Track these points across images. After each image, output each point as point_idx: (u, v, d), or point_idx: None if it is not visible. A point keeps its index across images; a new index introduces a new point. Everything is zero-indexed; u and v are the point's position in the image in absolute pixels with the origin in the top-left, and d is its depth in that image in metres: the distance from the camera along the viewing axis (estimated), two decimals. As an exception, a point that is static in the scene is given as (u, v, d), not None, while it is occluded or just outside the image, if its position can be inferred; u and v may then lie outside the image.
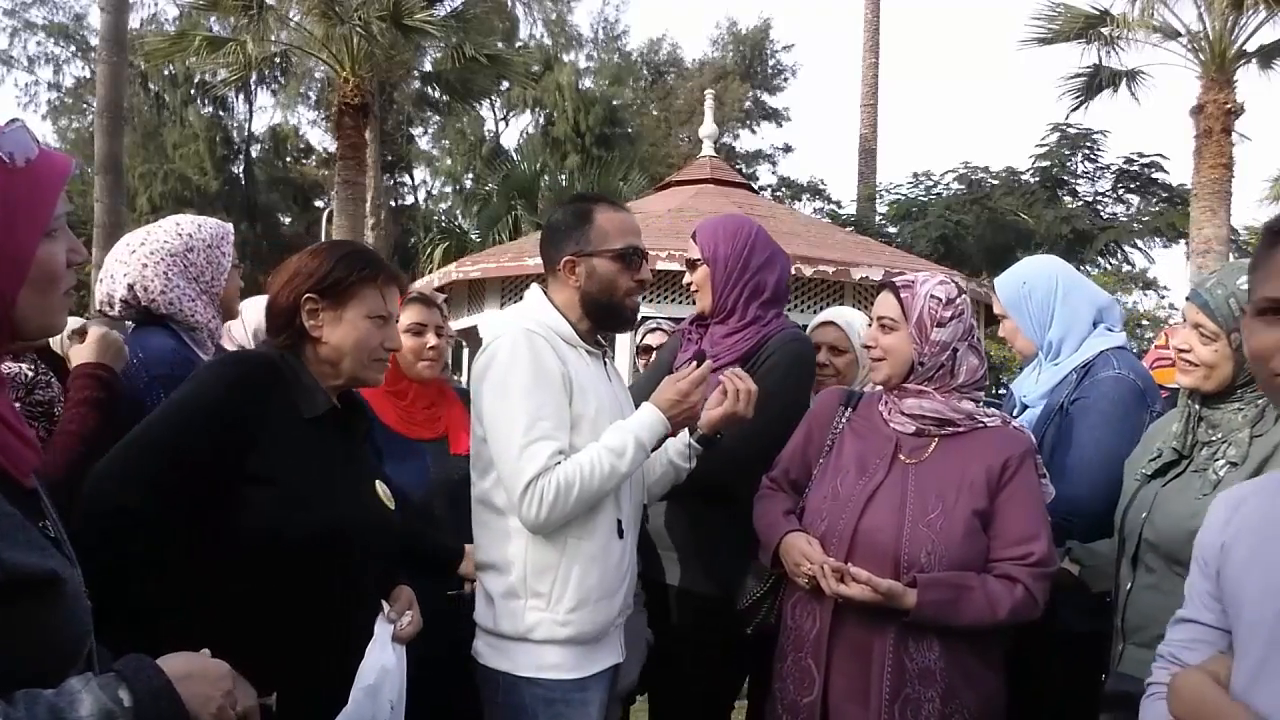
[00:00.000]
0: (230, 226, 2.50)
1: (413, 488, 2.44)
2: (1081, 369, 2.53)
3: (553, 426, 1.98)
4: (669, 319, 3.67)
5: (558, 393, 2.01)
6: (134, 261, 2.31)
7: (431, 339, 2.69)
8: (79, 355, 2.03)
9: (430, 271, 13.86)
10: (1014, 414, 2.65)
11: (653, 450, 2.12)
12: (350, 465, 1.88)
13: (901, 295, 2.14)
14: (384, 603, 1.91)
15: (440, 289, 9.35)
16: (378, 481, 1.95)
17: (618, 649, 2.14)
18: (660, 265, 7.47)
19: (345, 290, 1.84)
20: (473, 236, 19.27)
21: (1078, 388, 2.50)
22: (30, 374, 2.09)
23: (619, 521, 2.07)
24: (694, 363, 2.17)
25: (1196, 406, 2.11)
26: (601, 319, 2.18)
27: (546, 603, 1.99)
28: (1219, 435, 2.05)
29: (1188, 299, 2.16)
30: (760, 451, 2.36)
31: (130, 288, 2.30)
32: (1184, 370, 2.13)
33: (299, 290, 1.84)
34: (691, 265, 2.65)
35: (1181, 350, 2.11)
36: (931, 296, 2.13)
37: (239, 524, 1.68)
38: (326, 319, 1.84)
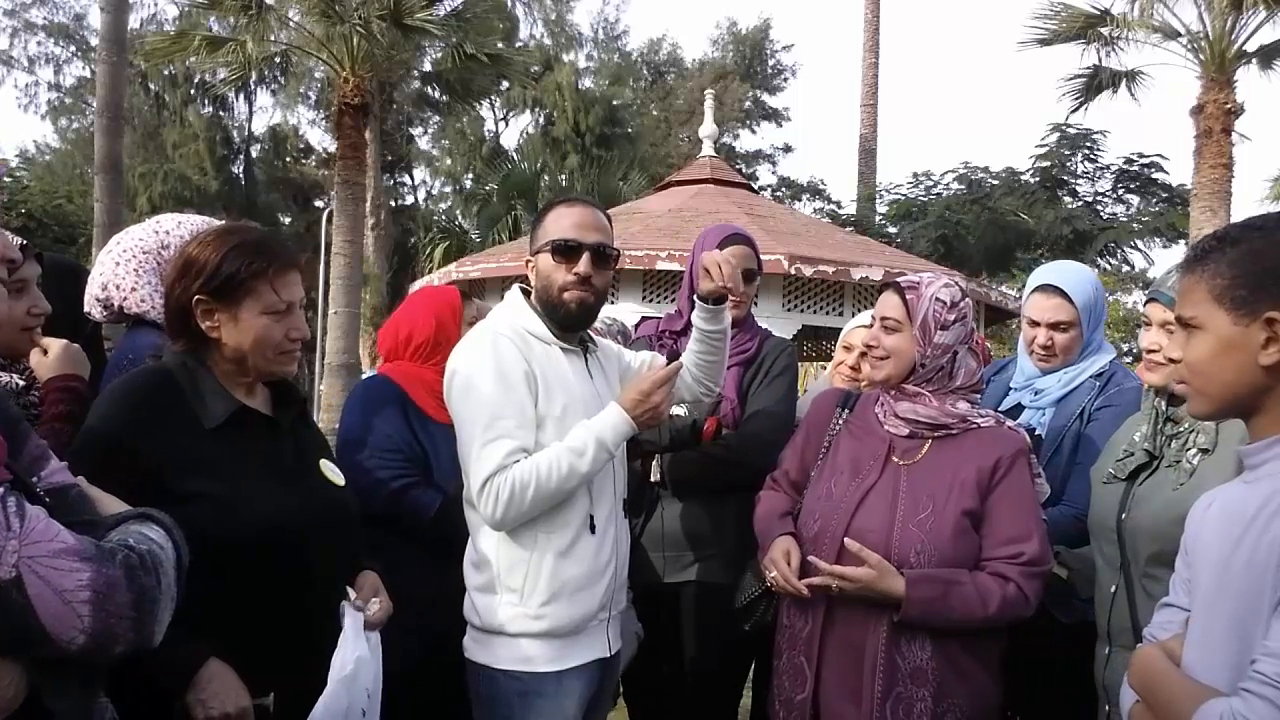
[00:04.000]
0: (194, 223, 2.43)
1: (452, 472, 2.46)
2: (1098, 377, 2.61)
3: (514, 425, 1.99)
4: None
5: (520, 392, 2.01)
6: (108, 261, 2.29)
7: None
8: (44, 369, 2.00)
9: (430, 271, 13.86)
10: (999, 407, 2.67)
11: (617, 448, 2.07)
12: (280, 456, 1.83)
13: (907, 296, 2.14)
14: (349, 590, 1.89)
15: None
16: (323, 461, 1.91)
17: (604, 644, 2.12)
18: (660, 265, 7.48)
19: (237, 288, 1.75)
20: (473, 236, 19.32)
21: (1101, 394, 2.57)
22: (21, 384, 2.04)
23: (591, 517, 2.07)
24: (664, 363, 2.18)
25: (1163, 405, 2.14)
26: (551, 318, 2.14)
27: (519, 597, 2.01)
28: (1185, 426, 2.07)
29: (1151, 299, 2.21)
30: (784, 434, 2.48)
31: (104, 287, 2.28)
32: (1152, 369, 2.16)
33: (189, 291, 1.76)
34: (750, 275, 2.65)
35: (1150, 350, 2.16)
36: (936, 299, 2.13)
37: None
38: (222, 320, 1.77)
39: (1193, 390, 1.40)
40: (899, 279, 2.22)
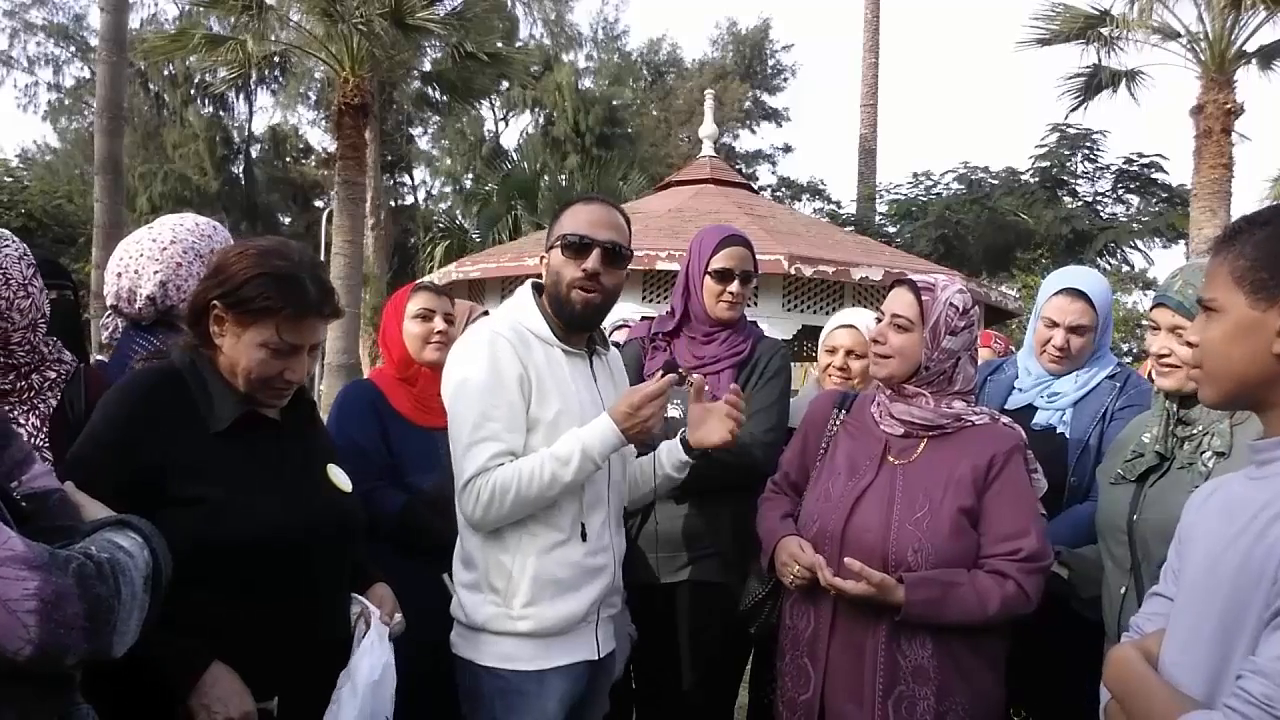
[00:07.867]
0: (226, 231, 2.46)
1: (430, 476, 2.48)
2: (1113, 378, 2.63)
3: (502, 428, 1.99)
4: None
5: (512, 394, 2.00)
6: (167, 259, 2.27)
7: (439, 324, 2.72)
8: None
9: (430, 271, 13.86)
10: (1002, 405, 2.67)
11: (604, 459, 2.04)
12: (284, 461, 1.82)
13: (923, 298, 2.13)
14: (365, 601, 1.89)
15: (440, 289, 9.34)
16: (330, 466, 1.91)
17: (591, 645, 2.11)
18: (660, 265, 7.47)
19: (247, 312, 1.74)
20: (473, 236, 19.29)
21: (1122, 394, 2.59)
22: None
23: (583, 525, 2.07)
24: (659, 372, 2.14)
25: (1174, 407, 2.14)
26: (559, 316, 2.12)
27: (502, 598, 2.02)
28: (1199, 429, 2.06)
29: (1158, 304, 2.20)
30: (779, 435, 2.55)
31: (163, 285, 2.25)
32: (1164, 374, 2.17)
33: (209, 293, 1.76)
34: (747, 277, 2.64)
35: (1161, 356, 2.15)
36: (950, 305, 2.12)
37: (172, 538, 1.51)
38: (228, 330, 1.76)
39: (1203, 374, 1.34)
40: (915, 277, 2.20)
